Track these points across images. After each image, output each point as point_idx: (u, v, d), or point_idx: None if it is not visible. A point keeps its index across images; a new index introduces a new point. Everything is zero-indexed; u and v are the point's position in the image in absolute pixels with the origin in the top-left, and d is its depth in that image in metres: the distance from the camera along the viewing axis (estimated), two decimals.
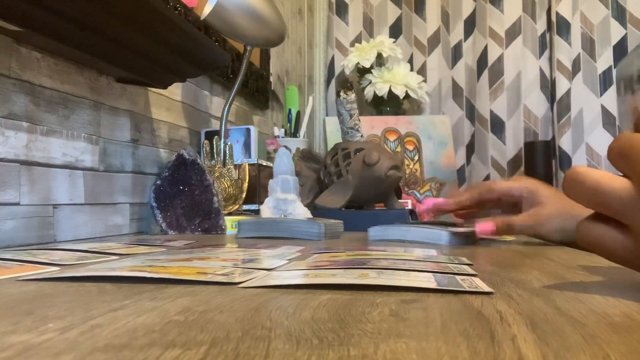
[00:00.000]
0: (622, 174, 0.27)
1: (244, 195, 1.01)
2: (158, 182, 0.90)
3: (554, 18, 1.78)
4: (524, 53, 1.81)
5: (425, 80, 1.86)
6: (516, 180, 0.71)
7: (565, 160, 1.74)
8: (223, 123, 1.09)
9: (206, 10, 1.01)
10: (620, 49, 1.77)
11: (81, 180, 0.76)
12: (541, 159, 1.70)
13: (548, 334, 0.20)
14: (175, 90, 1.05)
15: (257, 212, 1.05)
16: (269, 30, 1.06)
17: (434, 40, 1.93)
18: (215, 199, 0.89)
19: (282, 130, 1.56)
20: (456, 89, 1.90)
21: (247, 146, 1.19)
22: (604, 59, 1.78)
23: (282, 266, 0.39)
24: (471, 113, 1.88)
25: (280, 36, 1.11)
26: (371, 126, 1.69)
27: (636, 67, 1.34)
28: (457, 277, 0.33)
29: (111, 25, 0.66)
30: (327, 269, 0.36)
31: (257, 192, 1.09)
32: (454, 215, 0.74)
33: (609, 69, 1.77)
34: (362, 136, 1.06)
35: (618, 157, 0.27)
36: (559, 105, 1.76)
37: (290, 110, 1.61)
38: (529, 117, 1.80)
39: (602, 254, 0.28)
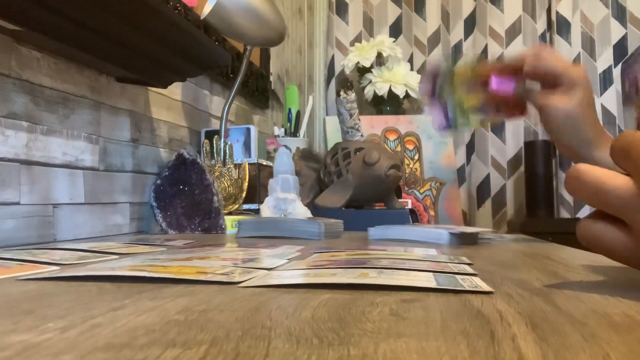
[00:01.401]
0: (624, 172, 0.27)
1: (244, 195, 1.01)
2: (158, 181, 0.90)
3: (554, 17, 1.78)
4: None
5: None
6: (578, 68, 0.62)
7: (565, 160, 1.74)
8: (223, 122, 1.09)
9: (206, 9, 1.01)
10: (620, 49, 1.77)
11: (81, 179, 0.76)
12: (541, 158, 1.70)
13: (548, 333, 0.20)
14: (175, 90, 1.05)
15: (257, 211, 1.05)
16: (268, 30, 1.06)
17: (434, 40, 1.93)
18: (215, 198, 0.89)
19: (282, 129, 1.56)
20: None
21: (247, 145, 1.19)
22: (604, 59, 1.78)
23: (282, 266, 0.39)
24: None
25: (280, 35, 1.11)
26: (371, 125, 1.68)
27: None
28: (457, 276, 0.33)
29: (111, 24, 0.66)
30: (327, 269, 0.36)
31: (257, 191, 1.09)
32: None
33: (609, 68, 1.77)
34: (362, 136, 1.06)
35: (620, 154, 0.27)
36: None
37: (290, 109, 1.61)
38: (529, 116, 1.80)
39: (603, 252, 0.28)
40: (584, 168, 0.27)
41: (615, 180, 0.26)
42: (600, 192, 0.26)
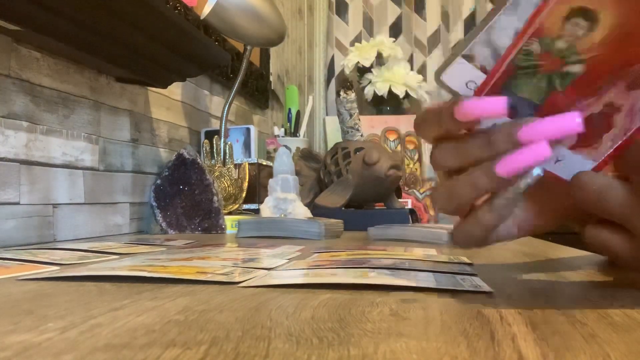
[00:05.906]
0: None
1: (244, 195, 1.01)
2: (158, 181, 0.90)
3: None
4: None
5: (425, 80, 1.86)
6: None
7: None
8: (223, 122, 1.09)
9: (206, 9, 1.01)
10: None
11: (81, 179, 0.76)
12: None
13: (548, 333, 0.20)
14: (175, 90, 1.05)
15: (257, 211, 1.05)
16: (268, 30, 1.06)
17: (434, 40, 1.93)
18: (215, 198, 0.89)
19: (282, 129, 1.56)
20: None
21: (247, 145, 1.19)
22: None
23: (282, 265, 0.39)
24: None
25: (280, 35, 1.11)
26: (371, 125, 1.68)
27: None
28: (457, 276, 0.33)
29: (111, 24, 0.66)
30: (327, 269, 0.36)
31: (257, 191, 1.09)
32: None
33: None
34: (362, 135, 1.06)
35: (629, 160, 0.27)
36: None
37: (290, 109, 1.61)
38: None
39: (609, 257, 0.29)
40: (587, 177, 0.27)
41: (614, 189, 0.26)
42: (602, 200, 0.26)
